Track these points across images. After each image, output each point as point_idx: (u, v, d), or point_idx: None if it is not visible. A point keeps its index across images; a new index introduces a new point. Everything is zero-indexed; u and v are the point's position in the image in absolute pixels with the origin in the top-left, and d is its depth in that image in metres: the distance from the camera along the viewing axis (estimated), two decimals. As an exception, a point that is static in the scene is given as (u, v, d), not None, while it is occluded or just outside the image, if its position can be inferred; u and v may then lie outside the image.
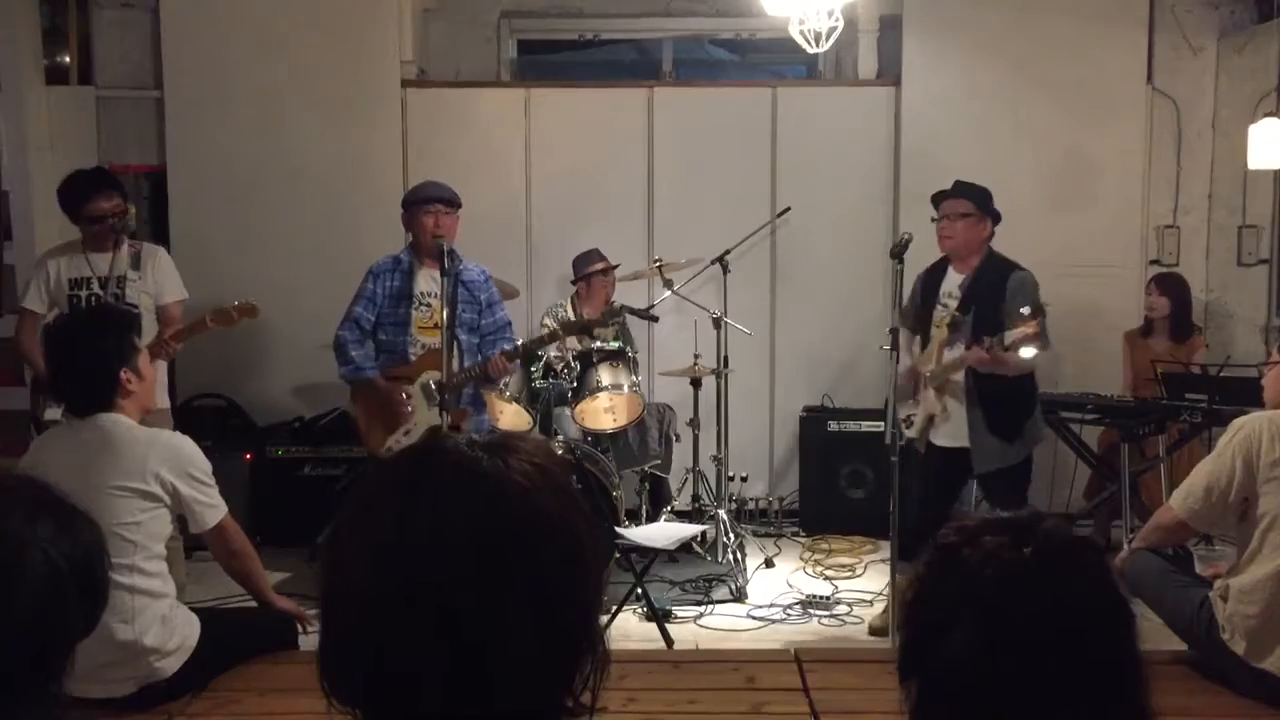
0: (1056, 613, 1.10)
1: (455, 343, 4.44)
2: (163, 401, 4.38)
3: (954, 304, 4.27)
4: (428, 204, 4.50)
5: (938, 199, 4.39)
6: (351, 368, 4.53)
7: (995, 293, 4.21)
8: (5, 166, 5.86)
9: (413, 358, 4.54)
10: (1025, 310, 3.94)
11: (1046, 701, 1.09)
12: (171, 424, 4.24)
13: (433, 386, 4.41)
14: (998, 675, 1.09)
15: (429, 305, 4.54)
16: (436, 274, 4.44)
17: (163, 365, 4.34)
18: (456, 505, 0.97)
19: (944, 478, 4.37)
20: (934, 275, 4.40)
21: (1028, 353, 3.91)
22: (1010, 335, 3.94)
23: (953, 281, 4.33)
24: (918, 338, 4.42)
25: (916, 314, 4.41)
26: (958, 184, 4.37)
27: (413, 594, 0.94)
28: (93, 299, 4.30)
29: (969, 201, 4.27)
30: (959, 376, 4.20)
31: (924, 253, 4.41)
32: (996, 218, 4.30)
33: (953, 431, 4.25)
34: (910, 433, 4.35)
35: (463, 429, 4.28)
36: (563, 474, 1.04)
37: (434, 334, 4.48)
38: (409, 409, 4.47)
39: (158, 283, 4.39)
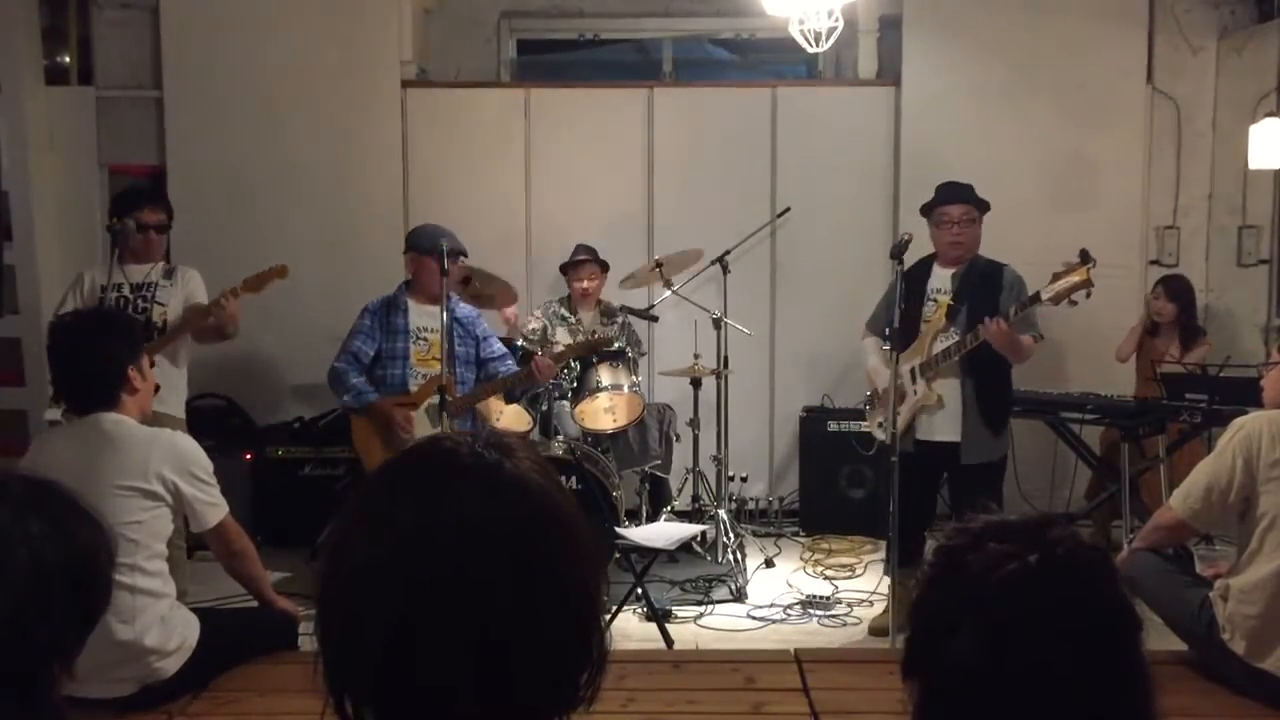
0: (1061, 622, 1.09)
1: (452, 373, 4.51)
2: (178, 410, 4.37)
3: (945, 299, 4.26)
4: (446, 263, 4.33)
5: (929, 208, 4.36)
6: (353, 394, 4.60)
7: (990, 285, 4.22)
8: (5, 166, 5.85)
9: (413, 389, 4.62)
10: (1071, 261, 3.89)
11: (1050, 709, 1.08)
12: (185, 432, 4.25)
13: (436, 405, 4.43)
14: (1001, 682, 1.08)
15: (425, 340, 4.65)
16: (432, 309, 4.52)
17: (181, 374, 4.38)
18: (485, 505, 0.98)
19: (927, 476, 4.32)
20: (918, 274, 4.34)
21: (1075, 299, 3.87)
22: (1053, 288, 3.88)
23: (941, 278, 4.32)
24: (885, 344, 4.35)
25: (903, 314, 4.15)
26: (953, 188, 4.35)
27: (442, 594, 0.94)
28: (121, 301, 4.31)
29: (969, 205, 4.30)
30: (950, 368, 4.17)
31: (922, 253, 4.40)
32: (986, 208, 4.35)
33: (942, 424, 4.23)
34: (883, 436, 4.32)
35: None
36: (553, 469, 1.07)
37: (433, 365, 4.55)
38: (411, 431, 4.52)
39: (187, 291, 4.42)
